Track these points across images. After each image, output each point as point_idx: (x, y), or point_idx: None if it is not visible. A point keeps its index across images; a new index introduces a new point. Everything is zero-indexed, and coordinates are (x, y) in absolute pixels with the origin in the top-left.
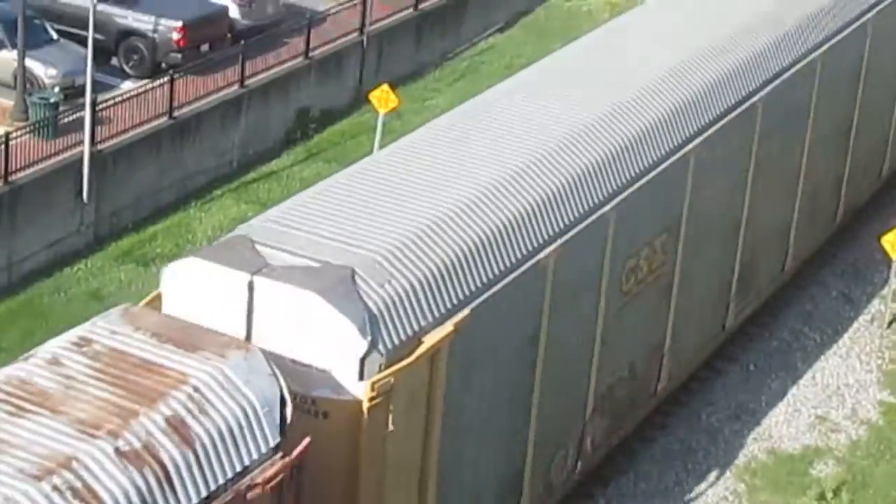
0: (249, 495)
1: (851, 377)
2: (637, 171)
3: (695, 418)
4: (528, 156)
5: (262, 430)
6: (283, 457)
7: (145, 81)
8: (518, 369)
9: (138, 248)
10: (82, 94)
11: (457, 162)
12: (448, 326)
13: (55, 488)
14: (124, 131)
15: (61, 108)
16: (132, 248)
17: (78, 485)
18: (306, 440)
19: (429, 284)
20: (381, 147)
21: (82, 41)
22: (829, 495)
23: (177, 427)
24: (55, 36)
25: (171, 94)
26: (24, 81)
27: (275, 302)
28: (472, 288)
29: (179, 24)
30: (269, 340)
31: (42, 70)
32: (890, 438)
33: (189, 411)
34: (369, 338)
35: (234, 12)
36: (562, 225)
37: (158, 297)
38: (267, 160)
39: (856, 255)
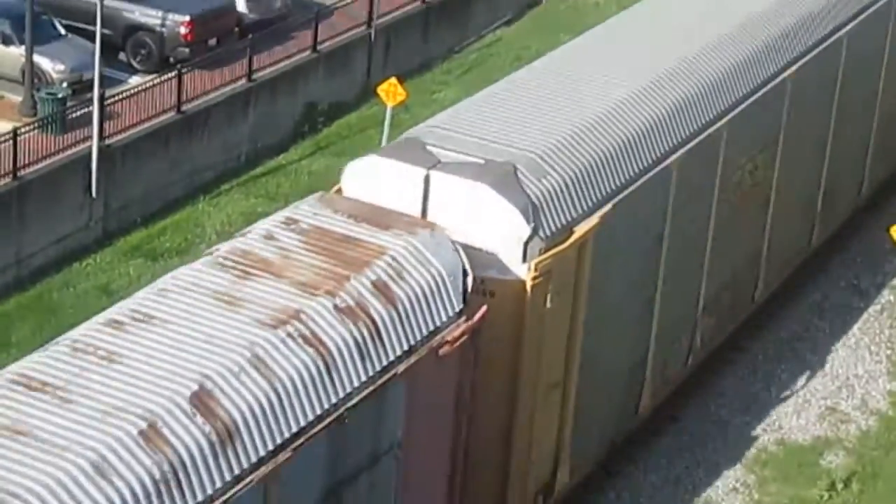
0: (441, 351)
1: (861, 368)
2: (744, 93)
3: (704, 409)
4: (657, 75)
5: (448, 296)
6: (466, 320)
7: (153, 76)
8: (646, 266)
9: (147, 243)
10: (90, 89)
11: (596, 78)
12: (594, 219)
13: (289, 335)
14: (132, 126)
15: (69, 104)
16: (141, 243)
17: (307, 333)
18: (484, 308)
19: (579, 180)
20: (388, 140)
21: (90, 36)
22: (840, 486)
23: (381, 289)
24: (63, 31)
25: (178, 89)
26: (32, 77)
27: (448, 193)
28: (614, 186)
29: (187, 18)
30: (443, 227)
31: (50, 65)
32: None
33: (390, 277)
34: (532, 224)
35: (241, 6)
36: (685, 135)
37: (339, 192)
38: (275, 154)
39: (865, 246)
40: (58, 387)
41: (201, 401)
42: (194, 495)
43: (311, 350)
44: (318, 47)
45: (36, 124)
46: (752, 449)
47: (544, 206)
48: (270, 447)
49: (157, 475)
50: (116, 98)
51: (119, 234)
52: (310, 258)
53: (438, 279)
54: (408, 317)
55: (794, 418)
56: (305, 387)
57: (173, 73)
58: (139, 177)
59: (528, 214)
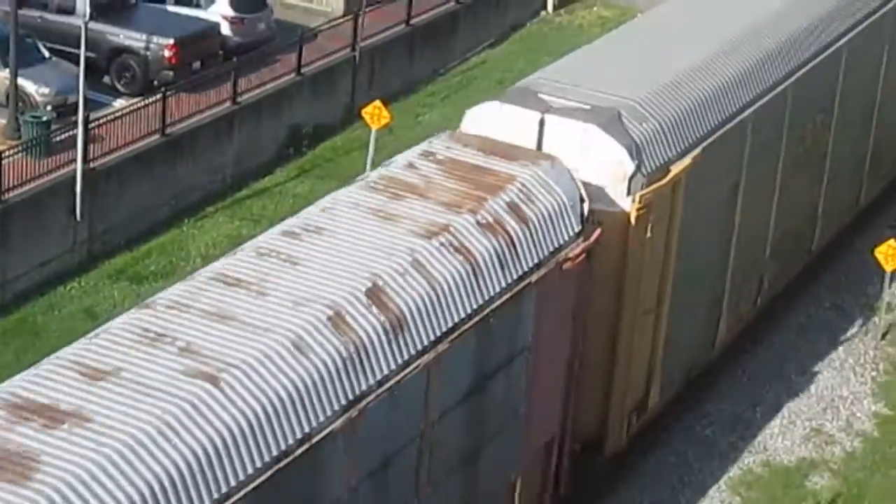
0: (564, 266)
1: (846, 389)
2: (806, 57)
3: (690, 431)
4: (735, 38)
5: (569, 219)
6: (584, 241)
7: (137, 99)
8: (724, 210)
9: (132, 266)
10: (75, 112)
11: (685, 36)
12: (687, 160)
13: (441, 244)
14: (117, 149)
15: (54, 127)
16: (125, 266)
17: (456, 243)
18: (598, 230)
19: (673, 126)
20: (373, 163)
21: (74, 59)
22: None
23: (514, 210)
24: (47, 54)
25: (163, 112)
26: (17, 100)
27: (560, 134)
28: (702, 133)
29: (171, 41)
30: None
31: (34, 88)
32: (885, 450)
33: (520, 200)
34: (635, 162)
35: (225, 29)
36: (758, 92)
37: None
38: (260, 177)
39: (849, 267)
40: (251, 283)
41: (375, 295)
42: (374, 374)
43: (460, 258)
44: (303, 70)
45: (20, 147)
46: (737, 470)
47: (645, 146)
48: (432, 338)
49: (345, 354)
50: (101, 121)
51: (103, 257)
52: (449, 183)
53: (561, 203)
54: (537, 234)
55: (779, 439)
56: (458, 288)
57: (158, 96)
58: (124, 200)
59: (633, 153)
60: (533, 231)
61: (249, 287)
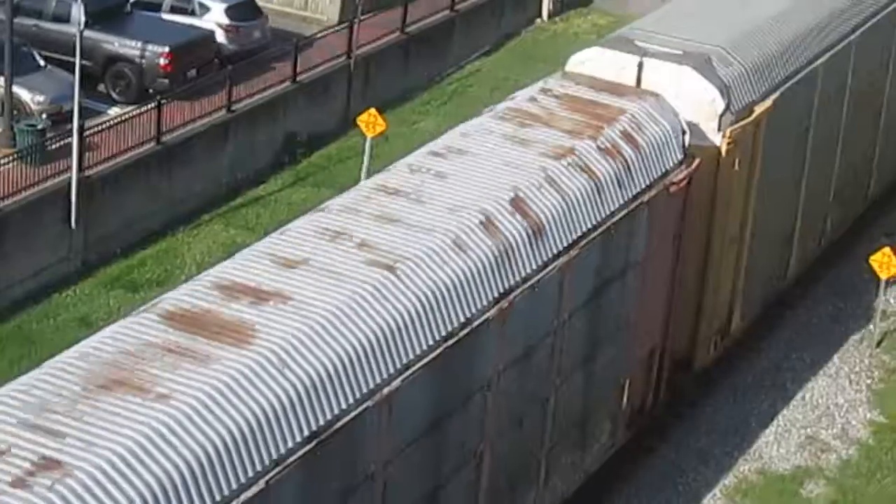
0: (671, 189)
1: (841, 397)
2: (867, 15)
3: (685, 439)
4: None
5: (674, 147)
6: (686, 168)
7: (133, 107)
8: (796, 152)
9: (127, 274)
10: (70, 120)
11: None
12: (769, 102)
13: (568, 164)
14: (112, 157)
15: (49, 135)
16: (121, 274)
17: (580, 164)
18: (697, 160)
19: (755, 70)
20: (368, 171)
21: (69, 68)
22: None
23: (627, 137)
24: (42, 63)
25: (158, 120)
26: (12, 108)
27: (658, 76)
28: (780, 78)
29: (166, 49)
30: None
31: (29, 97)
32: (880, 458)
33: (632, 129)
34: (725, 101)
35: (220, 37)
36: (826, 45)
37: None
38: (255, 185)
39: (843, 275)
40: (409, 193)
41: (517, 205)
42: (518, 272)
43: (585, 176)
44: (298, 78)
45: (15, 156)
46: (732, 478)
47: (733, 88)
48: (564, 244)
49: (496, 253)
50: (96, 129)
51: (99, 265)
52: (569, 114)
53: (666, 134)
54: (648, 159)
55: (774, 447)
56: (585, 202)
57: (153, 104)
58: (119, 208)
59: (723, 93)
60: (644, 156)
61: (408, 196)
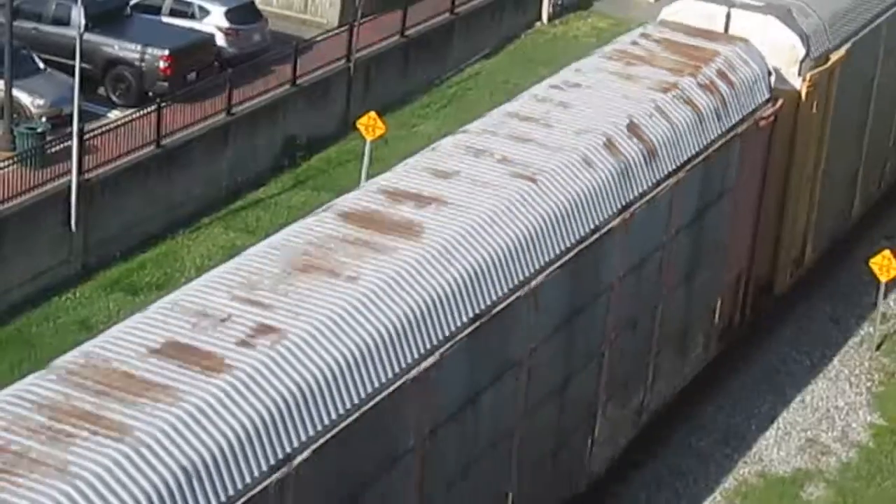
0: (760, 124)
1: (841, 400)
2: None
3: (685, 443)
4: None
5: (762, 86)
6: (772, 106)
7: (132, 110)
8: (863, 100)
9: (126, 277)
10: (69, 123)
11: None
12: (842, 51)
13: (673, 97)
14: (112, 160)
15: (48, 138)
16: (120, 278)
17: (684, 97)
18: (781, 100)
19: (831, 22)
20: (368, 175)
21: (69, 70)
22: None
23: (722, 76)
24: (42, 66)
25: (158, 123)
26: (11, 111)
27: (744, 25)
28: (851, 31)
29: (166, 52)
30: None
31: (29, 100)
32: (880, 461)
33: (726, 68)
34: (805, 48)
35: (220, 40)
36: (889, 2)
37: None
38: (254, 188)
39: (843, 278)
40: (538, 119)
41: (633, 129)
42: (637, 188)
43: (688, 108)
44: (298, 81)
45: (15, 159)
46: (732, 481)
47: (811, 37)
48: (674, 166)
49: (619, 169)
50: (96, 132)
51: (99, 268)
52: (669, 55)
53: (755, 74)
54: (741, 96)
55: (774, 450)
56: (689, 131)
57: (153, 108)
58: (118, 211)
59: (803, 40)
60: (737, 93)
61: (538, 121)
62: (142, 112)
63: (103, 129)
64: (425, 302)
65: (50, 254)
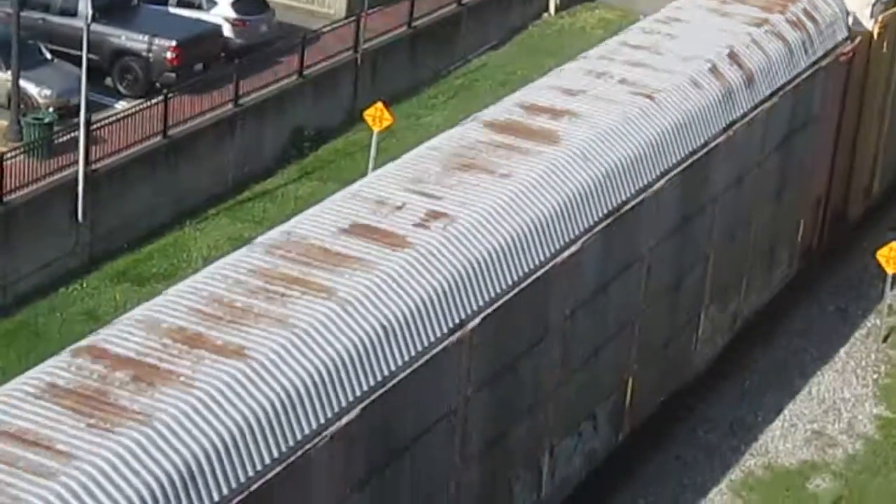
0: (841, 59)
1: (848, 392)
2: None
3: (691, 434)
4: None
5: (840, 25)
6: (850, 43)
7: (139, 101)
8: None
9: (133, 268)
10: (76, 114)
11: None
12: None
13: (765, 31)
14: (119, 151)
15: (56, 129)
16: (127, 268)
17: (775, 31)
18: (858, 37)
19: None
20: (375, 166)
21: (76, 61)
22: None
23: (808, 14)
24: (49, 56)
25: (165, 114)
26: (19, 102)
27: None
28: None
29: (173, 43)
30: None
31: (36, 90)
32: (886, 453)
33: (810, 7)
34: None
35: (227, 31)
36: None
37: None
38: (262, 179)
39: (850, 270)
40: (648, 47)
41: (733, 58)
42: (738, 109)
43: (780, 41)
44: (305, 72)
45: (22, 149)
46: (739, 473)
47: None
48: (769, 91)
49: (723, 92)
50: (103, 123)
51: (105, 259)
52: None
53: (835, 13)
54: (824, 32)
55: (781, 442)
56: (782, 60)
57: (160, 98)
58: (126, 201)
59: None
60: (821, 30)
61: (648, 49)
62: (149, 103)
63: (110, 119)
64: (569, 197)
65: (57, 244)
